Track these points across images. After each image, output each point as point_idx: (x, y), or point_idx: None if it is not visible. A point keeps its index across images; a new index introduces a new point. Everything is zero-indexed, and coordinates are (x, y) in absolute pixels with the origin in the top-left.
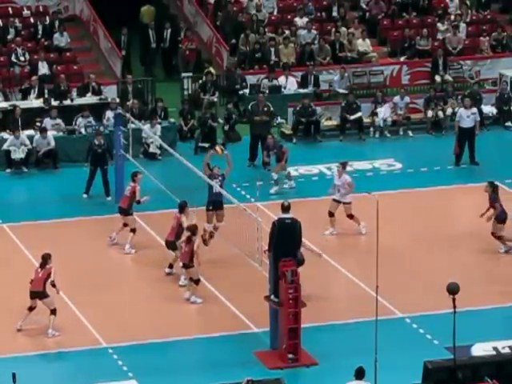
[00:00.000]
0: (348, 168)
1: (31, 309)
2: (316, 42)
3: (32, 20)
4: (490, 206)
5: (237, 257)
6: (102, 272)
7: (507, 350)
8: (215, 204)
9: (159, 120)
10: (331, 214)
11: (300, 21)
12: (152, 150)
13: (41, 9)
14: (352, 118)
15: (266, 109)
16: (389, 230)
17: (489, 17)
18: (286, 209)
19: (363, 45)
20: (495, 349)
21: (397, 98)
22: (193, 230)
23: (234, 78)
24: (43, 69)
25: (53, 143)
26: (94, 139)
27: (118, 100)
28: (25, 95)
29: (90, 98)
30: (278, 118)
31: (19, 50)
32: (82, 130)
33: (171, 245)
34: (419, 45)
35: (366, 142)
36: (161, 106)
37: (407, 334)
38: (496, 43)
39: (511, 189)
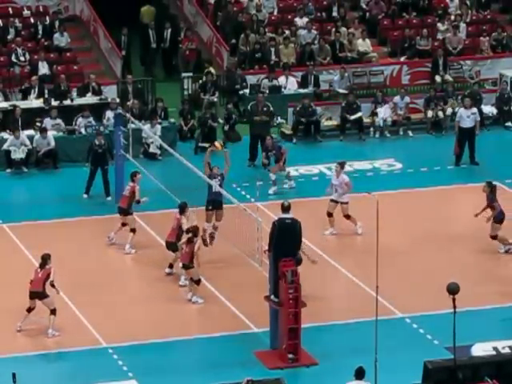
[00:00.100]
0: (348, 168)
1: (30, 310)
2: (316, 42)
3: (32, 20)
4: (488, 206)
5: (237, 257)
6: (102, 272)
7: (507, 350)
8: (215, 203)
9: (159, 120)
10: (330, 215)
11: (300, 21)
12: (152, 150)
13: (41, 9)
14: (352, 118)
15: (265, 109)
16: (389, 230)
17: (489, 17)
18: (286, 209)
19: (363, 45)
20: (495, 349)
21: (397, 98)
22: (194, 231)
23: (234, 78)
24: (43, 69)
25: (53, 143)
26: (94, 139)
27: (118, 100)
28: (25, 95)
29: (90, 98)
30: (278, 118)
31: (19, 50)
32: (82, 130)
33: (171, 246)
34: (419, 45)
35: (366, 142)
36: (161, 106)
37: (407, 334)
38: (496, 43)
39: (511, 189)
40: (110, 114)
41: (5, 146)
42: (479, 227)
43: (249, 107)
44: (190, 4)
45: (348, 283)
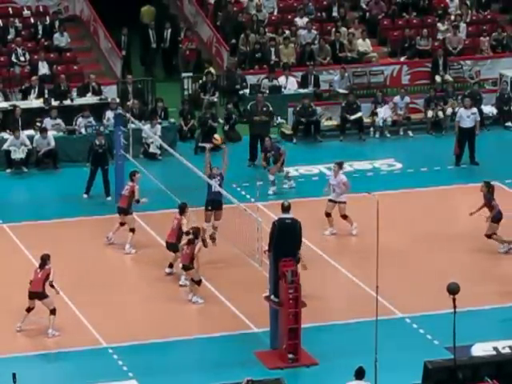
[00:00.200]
0: (348, 168)
1: (29, 310)
2: (316, 42)
3: (32, 20)
4: (485, 206)
5: (237, 257)
6: (102, 272)
7: (507, 350)
8: (214, 203)
9: (159, 120)
10: (328, 215)
11: (300, 21)
12: (152, 150)
13: (41, 9)
14: (352, 118)
15: (265, 109)
16: (389, 230)
17: (489, 17)
18: (286, 209)
19: (363, 45)
20: (495, 349)
21: (397, 98)
22: (195, 232)
23: (234, 78)
24: (43, 69)
25: (53, 143)
26: (95, 139)
27: (118, 100)
28: (25, 95)
29: (90, 98)
30: (278, 118)
31: (19, 50)
32: (82, 130)
33: (172, 246)
34: (419, 45)
35: (366, 142)
36: (161, 106)
37: (407, 334)
38: (496, 43)
39: (511, 189)
40: (110, 114)
41: (5, 146)
42: (479, 227)
43: (248, 107)
44: (190, 4)
45: (348, 283)
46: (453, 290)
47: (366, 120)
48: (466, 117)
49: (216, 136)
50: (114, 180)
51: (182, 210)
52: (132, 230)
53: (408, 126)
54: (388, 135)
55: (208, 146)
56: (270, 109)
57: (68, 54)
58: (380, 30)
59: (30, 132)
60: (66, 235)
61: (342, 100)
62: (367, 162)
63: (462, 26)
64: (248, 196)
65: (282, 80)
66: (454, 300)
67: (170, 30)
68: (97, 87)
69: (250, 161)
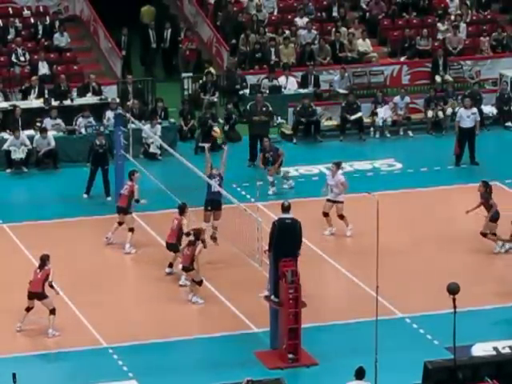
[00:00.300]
0: (348, 168)
1: (29, 309)
2: (316, 42)
3: (32, 20)
4: (482, 205)
5: (237, 257)
6: (102, 272)
7: (507, 350)
8: (213, 203)
9: (159, 120)
10: (326, 215)
11: (300, 21)
12: (152, 150)
13: (41, 9)
14: (352, 118)
15: (264, 109)
16: (389, 230)
17: (489, 17)
18: (286, 209)
19: (363, 45)
20: (495, 349)
21: (397, 98)
22: (197, 234)
23: (234, 78)
24: (43, 69)
25: (53, 143)
26: (95, 139)
27: (118, 100)
28: (25, 95)
29: (90, 98)
30: (279, 118)
31: (19, 50)
32: (83, 130)
33: (172, 247)
34: (419, 45)
35: (367, 142)
36: (161, 106)
37: (407, 334)
38: (496, 43)
39: (511, 189)
40: (110, 114)
41: (5, 146)
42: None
43: (248, 107)
44: (190, 4)
45: (348, 283)
46: (453, 290)
47: (366, 120)
48: (466, 117)
49: (215, 128)
50: (114, 180)
51: (182, 210)
52: (131, 230)
53: (408, 126)
54: (388, 135)
55: (207, 145)
56: (270, 109)
57: (68, 54)
58: (380, 30)
59: (30, 132)
60: (66, 235)
61: (342, 100)
62: (367, 162)
63: (462, 26)
64: (248, 196)
65: (282, 80)
66: (454, 300)
67: (170, 30)
68: (97, 87)
69: (250, 161)
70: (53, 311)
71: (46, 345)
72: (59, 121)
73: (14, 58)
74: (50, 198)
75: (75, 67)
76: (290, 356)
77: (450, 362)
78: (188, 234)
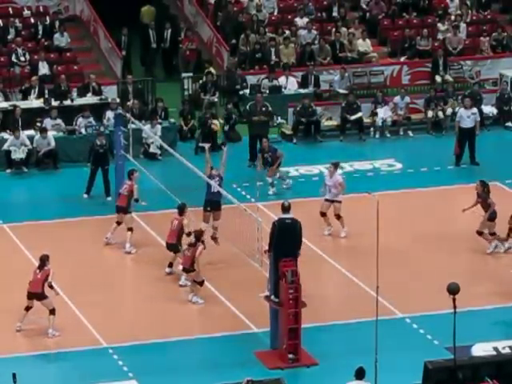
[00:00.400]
0: (348, 168)
1: (28, 308)
2: (316, 42)
3: (32, 20)
4: (478, 204)
5: (237, 257)
6: (103, 272)
7: (507, 350)
8: (213, 204)
9: (159, 120)
10: (323, 214)
11: (300, 21)
12: (152, 150)
13: (41, 9)
14: (352, 118)
15: (264, 109)
16: (389, 230)
17: (489, 17)
18: (286, 209)
19: (363, 45)
20: (495, 349)
21: (397, 98)
22: (198, 235)
23: (234, 79)
24: (43, 69)
25: (53, 143)
26: (95, 139)
27: (118, 100)
28: (25, 95)
29: (90, 98)
30: (279, 118)
31: (19, 50)
32: (83, 130)
33: (172, 247)
34: (419, 45)
35: (367, 142)
36: (161, 106)
37: (407, 334)
38: (496, 43)
39: (511, 189)
40: (110, 114)
41: (5, 146)
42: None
43: (247, 107)
44: (190, 4)
45: (348, 283)
46: (453, 290)
47: (366, 120)
48: (466, 117)
49: (215, 121)
50: (114, 180)
51: (182, 210)
52: (130, 229)
53: (408, 126)
54: (388, 135)
55: (208, 146)
56: (270, 109)
57: (68, 54)
58: (380, 30)
59: (30, 132)
60: (66, 235)
61: (342, 100)
62: (367, 162)
63: (462, 26)
64: (248, 196)
65: (282, 80)
66: (454, 300)
67: (170, 30)
68: (97, 87)
69: (250, 161)
70: (53, 311)
71: (45, 345)
72: (59, 121)
73: (14, 58)
74: (50, 198)
75: (75, 67)
76: (290, 356)
77: (450, 362)
78: (189, 234)
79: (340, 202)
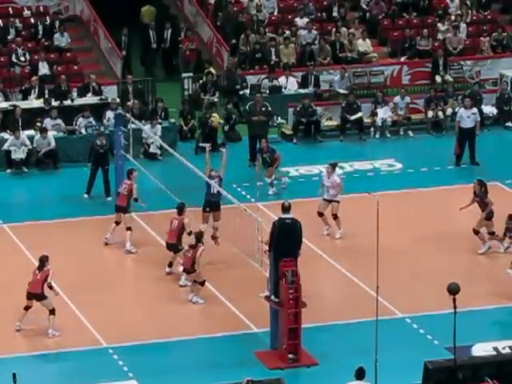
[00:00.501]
0: (348, 168)
1: (27, 308)
2: (316, 42)
3: (32, 20)
4: (474, 202)
5: (237, 257)
6: (103, 272)
7: (507, 350)
8: (212, 205)
9: (159, 120)
10: (321, 214)
11: (300, 21)
12: (152, 150)
13: (41, 9)
14: (352, 118)
15: (263, 109)
16: (389, 230)
17: (489, 17)
18: (286, 209)
19: (363, 45)
20: (495, 349)
21: (397, 99)
22: (198, 236)
23: (234, 79)
24: (43, 69)
25: (53, 143)
26: (96, 139)
27: (118, 100)
28: (25, 95)
29: (90, 99)
30: (279, 118)
31: (19, 50)
32: (83, 131)
33: (172, 247)
34: (419, 45)
35: (367, 142)
36: (161, 106)
37: (407, 334)
38: (496, 43)
39: (511, 189)
40: (110, 114)
41: (5, 146)
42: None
43: (247, 107)
44: (190, 4)
45: (348, 283)
46: (453, 290)
47: (367, 120)
48: (467, 117)
49: (214, 114)
50: (114, 180)
51: (181, 209)
52: (129, 229)
53: (408, 126)
54: (388, 135)
55: (208, 146)
56: (269, 109)
57: (68, 54)
58: (380, 30)
59: (31, 132)
60: (66, 235)
61: (342, 100)
62: (367, 162)
63: (463, 26)
64: (248, 196)
65: (282, 80)
66: (454, 300)
67: (170, 30)
68: (97, 87)
69: (250, 161)
70: (52, 311)
71: (46, 345)
72: (59, 121)
73: (14, 58)
74: (50, 198)
75: (75, 67)
76: (290, 356)
77: (450, 362)
78: (190, 233)
79: (338, 201)
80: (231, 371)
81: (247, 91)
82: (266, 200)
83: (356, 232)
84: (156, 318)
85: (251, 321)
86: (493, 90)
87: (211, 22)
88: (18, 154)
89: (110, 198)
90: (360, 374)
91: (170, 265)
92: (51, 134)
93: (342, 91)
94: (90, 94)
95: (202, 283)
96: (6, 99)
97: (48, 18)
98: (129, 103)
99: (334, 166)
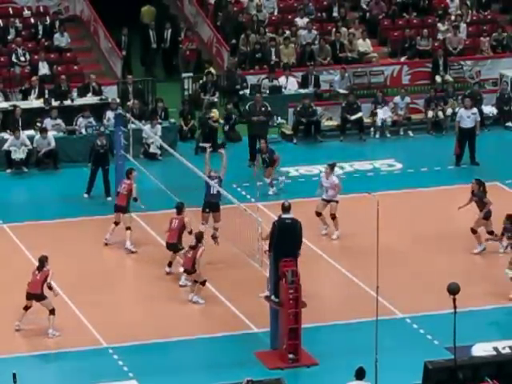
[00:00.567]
0: (348, 168)
1: (27, 308)
2: (316, 42)
3: (32, 20)
4: (472, 201)
5: (237, 257)
6: (103, 272)
7: (507, 350)
8: (211, 205)
9: (159, 120)
10: (319, 214)
11: (300, 21)
12: (152, 150)
13: (41, 9)
14: (352, 118)
15: (263, 109)
16: (389, 230)
17: (489, 17)
18: (286, 209)
19: (363, 45)
20: (495, 349)
21: (397, 99)
22: (199, 237)
23: (234, 79)
24: (43, 69)
25: (53, 143)
26: (96, 139)
27: (118, 100)
28: (25, 95)
29: (90, 99)
30: (279, 118)
31: (20, 51)
32: (83, 131)
33: (172, 247)
34: (420, 45)
35: (367, 143)
36: (161, 106)
37: (408, 334)
38: (496, 43)
39: (511, 189)
40: (110, 114)
41: (5, 146)
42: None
43: (247, 107)
44: (190, 4)
45: (348, 283)
46: (453, 290)
47: (367, 120)
48: (467, 117)
49: (214, 110)
50: (114, 180)
51: (180, 209)
52: (128, 229)
53: (408, 126)
54: (388, 135)
55: (208, 146)
56: (269, 109)
57: (68, 54)
58: (380, 30)
59: (31, 132)
60: (66, 235)
61: (342, 100)
62: (367, 162)
63: (463, 26)
64: (248, 196)
65: (282, 80)
66: (454, 300)
67: (170, 30)
68: (97, 87)
69: (250, 161)
70: (52, 311)
71: (46, 345)
72: (59, 121)
73: (14, 58)
74: (50, 198)
75: (75, 67)
76: (290, 356)
77: (450, 362)
78: (191, 233)
79: (337, 201)
80: (231, 371)
81: (247, 91)
82: (265, 200)
83: (356, 232)
84: (156, 317)
85: (251, 321)
86: (493, 90)
87: (211, 22)
88: (18, 154)
89: (110, 198)
90: (360, 374)
91: (170, 265)
92: (51, 134)
93: (342, 91)
94: (90, 94)
95: (203, 283)
96: (6, 99)
97: (48, 18)
98: (129, 103)
99: (332, 167)
